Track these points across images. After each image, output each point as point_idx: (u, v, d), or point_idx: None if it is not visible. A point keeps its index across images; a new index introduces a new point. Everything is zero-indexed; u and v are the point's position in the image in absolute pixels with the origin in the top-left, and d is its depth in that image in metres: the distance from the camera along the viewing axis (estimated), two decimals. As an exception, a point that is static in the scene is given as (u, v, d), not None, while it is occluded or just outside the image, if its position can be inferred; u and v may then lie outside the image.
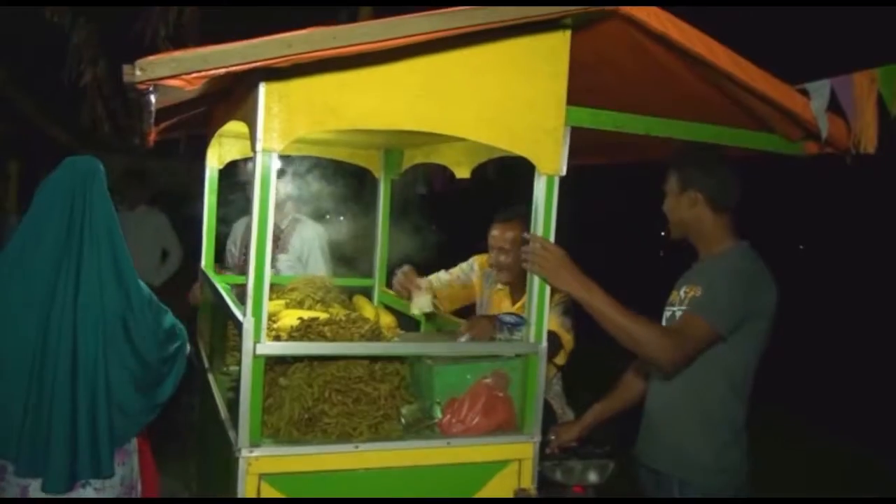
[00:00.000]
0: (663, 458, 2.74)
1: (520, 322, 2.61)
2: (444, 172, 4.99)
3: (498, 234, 3.50)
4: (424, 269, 3.90)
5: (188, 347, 2.60)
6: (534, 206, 2.53)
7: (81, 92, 8.15)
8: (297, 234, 4.54)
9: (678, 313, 2.67)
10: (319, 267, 4.45)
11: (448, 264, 3.91)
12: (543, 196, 2.50)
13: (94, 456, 2.23)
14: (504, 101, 2.43)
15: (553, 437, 3.01)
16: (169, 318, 2.49)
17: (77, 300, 2.23)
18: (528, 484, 2.54)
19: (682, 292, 2.72)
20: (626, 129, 2.63)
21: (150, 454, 2.75)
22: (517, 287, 3.51)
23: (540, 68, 2.45)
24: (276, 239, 4.50)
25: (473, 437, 2.49)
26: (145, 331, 2.37)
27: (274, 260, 4.30)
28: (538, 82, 2.46)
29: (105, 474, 2.26)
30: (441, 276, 3.83)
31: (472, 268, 3.82)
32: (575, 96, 2.50)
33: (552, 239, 2.52)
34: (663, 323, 2.76)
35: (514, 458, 2.53)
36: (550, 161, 2.49)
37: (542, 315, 2.54)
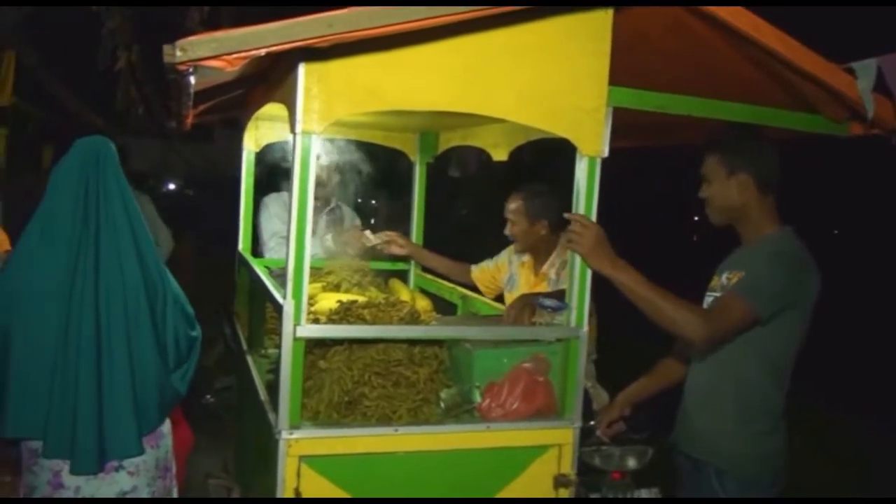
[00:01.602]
0: (700, 445, 2.70)
1: (560, 306, 2.57)
2: (478, 155, 4.97)
3: (508, 205, 3.61)
4: (456, 252, 3.90)
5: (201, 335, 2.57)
6: (575, 189, 2.49)
7: (115, 77, 8.21)
8: (332, 217, 4.53)
9: None
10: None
11: (480, 248, 3.91)
12: (585, 178, 2.47)
13: (122, 436, 2.23)
14: (545, 81, 2.39)
15: (595, 424, 2.98)
16: (190, 307, 2.48)
17: (98, 281, 2.23)
18: (568, 469, 2.51)
19: (723, 278, 2.67)
20: (669, 111, 2.58)
21: (189, 433, 2.77)
22: (539, 258, 3.60)
23: (582, 47, 2.41)
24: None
25: (513, 422, 2.47)
26: (170, 313, 2.36)
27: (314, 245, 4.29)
28: (580, 62, 2.41)
29: (133, 454, 2.26)
30: (484, 264, 3.91)
31: (507, 252, 3.83)
32: (615, 77, 2.45)
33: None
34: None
35: (553, 444, 2.51)
36: (592, 142, 2.45)
37: (583, 299, 2.51)
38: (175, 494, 2.49)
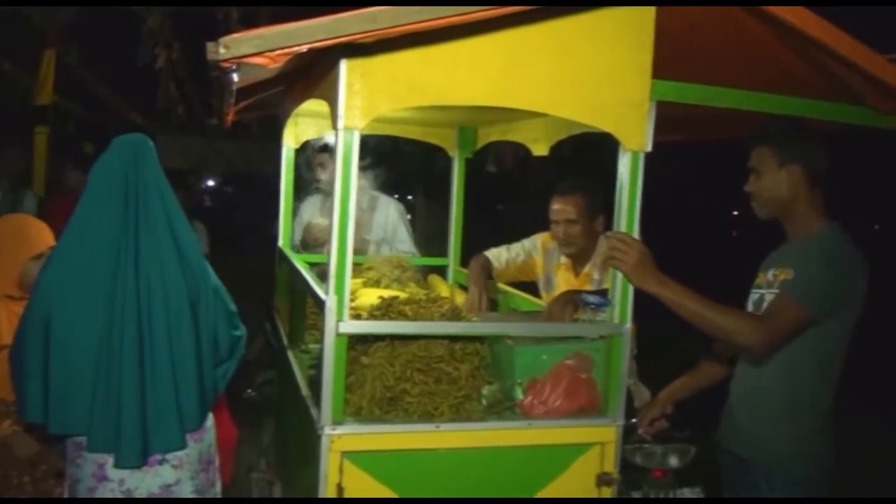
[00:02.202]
0: (747, 444, 2.66)
1: (604, 302, 2.55)
2: (515, 150, 4.94)
3: (558, 207, 3.50)
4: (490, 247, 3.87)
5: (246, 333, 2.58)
6: (618, 185, 2.46)
7: (155, 75, 8.31)
8: (381, 213, 4.54)
9: (767, 296, 2.58)
10: (406, 243, 4.46)
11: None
12: (628, 174, 2.43)
13: (164, 430, 2.25)
14: (588, 74, 2.36)
15: (637, 421, 2.95)
16: (233, 305, 2.49)
17: (138, 277, 2.24)
18: (611, 468, 2.49)
19: (770, 274, 2.63)
20: (713, 103, 2.54)
21: (233, 428, 2.78)
22: (580, 259, 3.52)
23: (625, 40, 2.38)
24: (358, 220, 4.51)
25: (555, 420, 2.45)
26: (211, 309, 2.37)
27: (364, 243, 4.33)
28: (623, 54, 2.38)
29: (175, 447, 2.28)
30: (501, 255, 3.82)
31: (534, 245, 3.80)
32: (656, 69, 2.42)
33: (637, 218, 2.46)
34: (750, 305, 2.68)
35: (596, 442, 2.48)
36: (635, 137, 2.41)
37: (626, 295, 2.48)
38: (218, 488, 2.51)
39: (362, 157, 2.14)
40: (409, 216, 4.63)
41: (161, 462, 2.29)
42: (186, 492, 2.34)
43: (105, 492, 2.24)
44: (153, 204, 2.31)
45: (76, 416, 2.20)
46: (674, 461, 2.99)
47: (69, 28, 7.33)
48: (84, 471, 2.25)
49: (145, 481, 2.28)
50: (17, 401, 2.26)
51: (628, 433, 2.80)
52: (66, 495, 2.34)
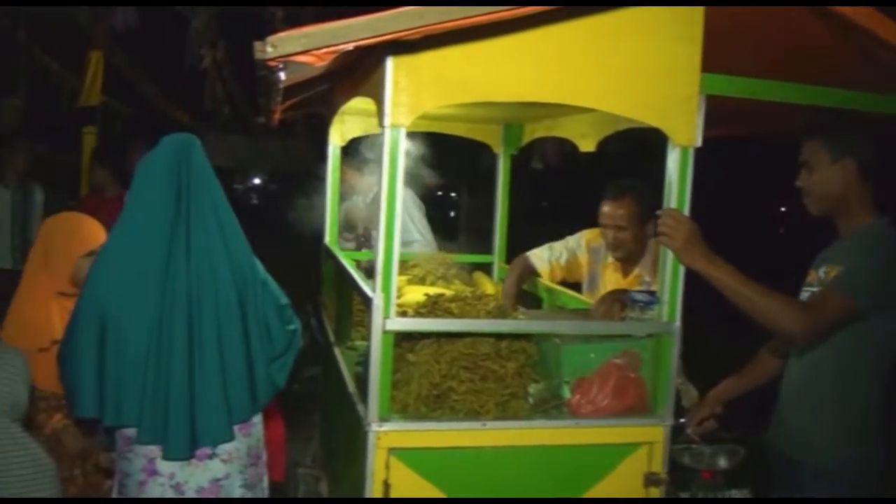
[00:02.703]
0: (797, 445, 2.62)
1: (652, 300, 2.51)
2: (561, 146, 4.90)
3: (609, 210, 3.41)
4: (536, 246, 3.84)
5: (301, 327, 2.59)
6: (667, 181, 2.42)
7: (201, 74, 8.41)
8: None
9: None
10: (421, 231, 4.47)
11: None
12: (677, 169, 2.39)
13: (212, 423, 2.26)
14: (636, 68, 2.33)
15: (686, 421, 2.91)
16: (285, 298, 2.50)
17: (189, 273, 2.27)
18: (659, 468, 2.46)
19: (821, 272, 2.57)
20: (763, 97, 2.49)
21: (282, 423, 2.80)
22: (629, 260, 3.45)
23: (673, 33, 2.34)
24: (371, 214, 4.60)
25: (603, 419, 2.43)
26: (261, 305, 2.38)
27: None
28: (671, 48, 2.34)
29: (223, 440, 2.30)
30: (543, 255, 3.78)
31: (578, 244, 3.74)
32: (704, 63, 2.38)
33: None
34: None
35: (644, 442, 2.45)
36: (685, 131, 2.37)
37: (675, 292, 2.44)
38: (265, 482, 2.52)
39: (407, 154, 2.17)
40: (452, 213, 4.62)
41: (211, 456, 2.31)
42: (236, 486, 2.36)
43: (155, 486, 2.27)
44: (202, 200, 2.34)
45: (128, 408, 2.22)
46: (722, 462, 2.94)
47: (116, 29, 7.45)
48: (134, 465, 2.28)
49: (195, 475, 2.30)
50: (69, 396, 2.29)
51: (676, 433, 2.76)
52: (115, 489, 2.37)
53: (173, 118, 11.68)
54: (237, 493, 2.36)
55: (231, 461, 2.34)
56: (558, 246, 3.77)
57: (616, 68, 2.32)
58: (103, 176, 5.73)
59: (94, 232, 2.77)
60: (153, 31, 8.18)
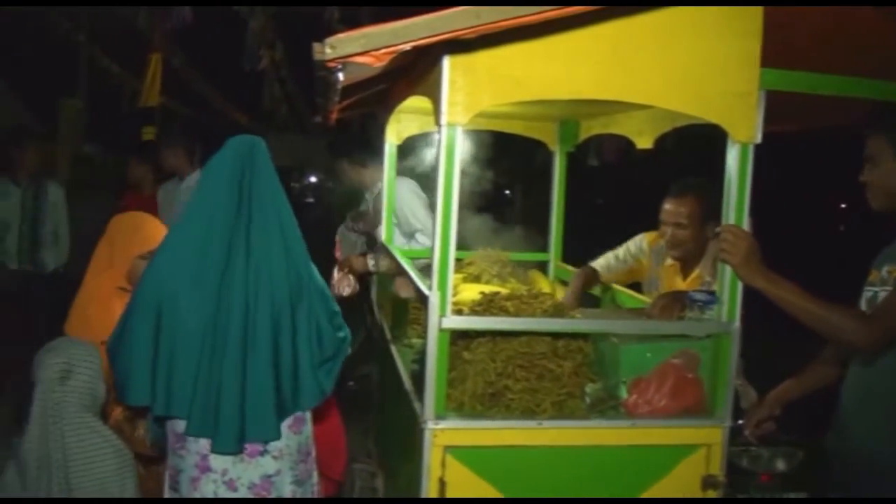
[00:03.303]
0: (858, 450, 2.55)
1: (711, 300, 2.48)
2: (617, 143, 4.86)
3: (670, 208, 3.37)
4: (592, 244, 3.81)
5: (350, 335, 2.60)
6: (726, 178, 2.39)
7: (259, 75, 8.53)
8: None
9: (881, 294, 2.46)
10: (422, 222, 4.49)
11: (619, 239, 3.80)
12: (737, 166, 2.36)
13: (261, 420, 2.28)
14: (694, 64, 2.30)
15: (744, 423, 2.87)
16: (337, 306, 2.52)
17: (248, 272, 2.29)
18: (717, 470, 2.42)
19: (884, 271, 2.50)
20: (823, 92, 2.44)
21: (341, 424, 2.83)
22: (689, 261, 3.40)
23: (732, 28, 2.31)
24: (376, 206, 4.65)
25: (660, 419, 2.41)
26: (314, 309, 2.39)
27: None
28: (730, 43, 2.31)
29: (270, 438, 2.31)
30: (609, 263, 3.75)
31: (640, 248, 3.70)
32: (764, 58, 2.34)
33: (747, 213, 2.38)
34: (863, 304, 2.56)
35: (702, 443, 2.42)
36: (744, 128, 2.34)
37: (735, 292, 2.41)
38: (315, 478, 2.54)
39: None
40: (499, 208, 4.61)
41: (262, 453, 2.34)
42: (286, 482, 2.38)
43: (208, 482, 2.30)
44: (265, 201, 2.37)
45: (179, 399, 2.26)
46: (781, 465, 2.88)
47: (175, 31, 7.59)
48: (187, 461, 2.31)
49: (247, 472, 2.33)
50: (119, 385, 2.33)
51: (734, 435, 2.72)
52: (167, 485, 2.40)
53: (231, 118, 11.89)
54: (288, 489, 2.38)
55: (282, 458, 2.37)
56: (621, 251, 3.74)
57: (674, 64, 2.29)
58: (141, 173, 5.78)
59: (155, 232, 2.83)
60: (212, 32, 8.33)
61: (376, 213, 4.57)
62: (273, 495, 2.35)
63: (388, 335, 3.54)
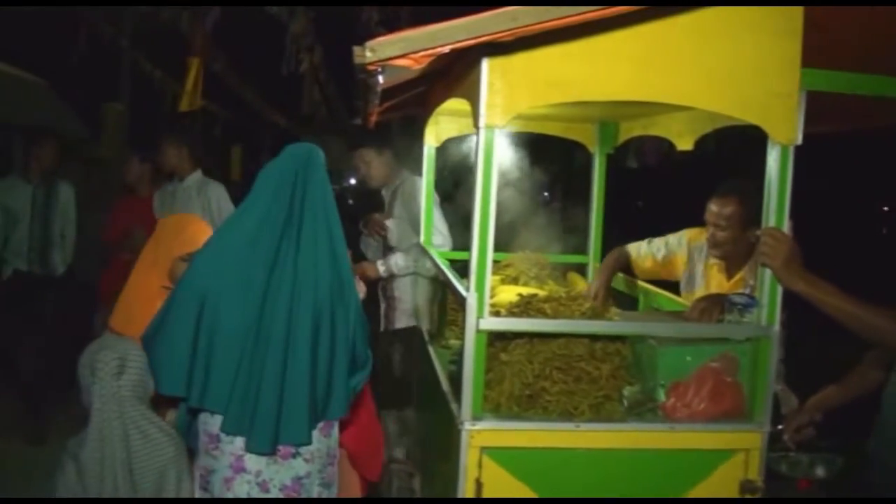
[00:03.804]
0: None
1: (751, 303, 2.46)
2: (657, 145, 4.82)
3: (713, 209, 3.35)
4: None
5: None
6: (766, 180, 2.37)
7: (298, 78, 8.61)
8: (399, 196, 4.64)
9: None
10: (435, 224, 4.44)
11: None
12: (777, 168, 2.33)
13: (296, 423, 2.29)
14: (733, 64, 2.28)
15: (783, 428, 2.83)
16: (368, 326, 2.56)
17: (295, 277, 2.32)
18: (755, 476, 2.40)
19: None
20: (866, 92, 2.41)
21: (378, 423, 2.84)
22: (733, 262, 3.37)
23: (771, 28, 2.28)
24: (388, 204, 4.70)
25: (699, 423, 2.39)
26: (352, 321, 2.40)
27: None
28: (769, 42, 2.29)
29: (303, 442, 2.33)
30: (640, 247, 3.74)
31: (679, 243, 3.67)
32: (804, 58, 2.31)
33: (787, 215, 2.36)
34: None
35: (741, 448, 2.40)
36: (784, 129, 2.31)
37: (774, 296, 2.38)
38: (337, 481, 2.56)
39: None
40: (537, 210, 4.57)
41: (294, 455, 2.36)
42: (315, 484, 2.40)
43: (242, 483, 2.32)
44: (317, 208, 2.40)
45: (216, 394, 2.28)
46: (820, 471, 2.85)
47: (214, 35, 7.67)
48: (220, 462, 2.33)
49: (280, 473, 2.35)
50: (154, 374, 2.36)
51: (774, 440, 2.69)
52: (197, 486, 2.43)
53: (270, 121, 12.01)
54: (315, 491, 2.40)
55: (313, 461, 2.39)
56: (658, 241, 3.72)
57: (713, 64, 2.28)
58: (141, 174, 5.49)
59: (197, 233, 2.87)
60: (251, 36, 8.43)
61: (390, 209, 4.64)
62: (302, 496, 2.37)
63: (427, 336, 3.56)
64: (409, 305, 4.48)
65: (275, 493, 2.34)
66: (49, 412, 5.18)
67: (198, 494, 2.38)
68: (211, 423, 2.34)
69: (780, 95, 2.30)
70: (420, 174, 4.34)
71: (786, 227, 2.38)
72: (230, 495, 2.31)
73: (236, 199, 5.10)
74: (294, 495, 2.36)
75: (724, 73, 2.28)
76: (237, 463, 2.32)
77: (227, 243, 2.37)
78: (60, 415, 4.96)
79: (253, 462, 2.32)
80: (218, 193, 5.04)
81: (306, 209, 2.37)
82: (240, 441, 2.30)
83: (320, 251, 2.37)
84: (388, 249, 4.55)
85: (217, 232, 2.46)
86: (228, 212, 4.57)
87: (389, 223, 4.55)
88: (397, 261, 4.45)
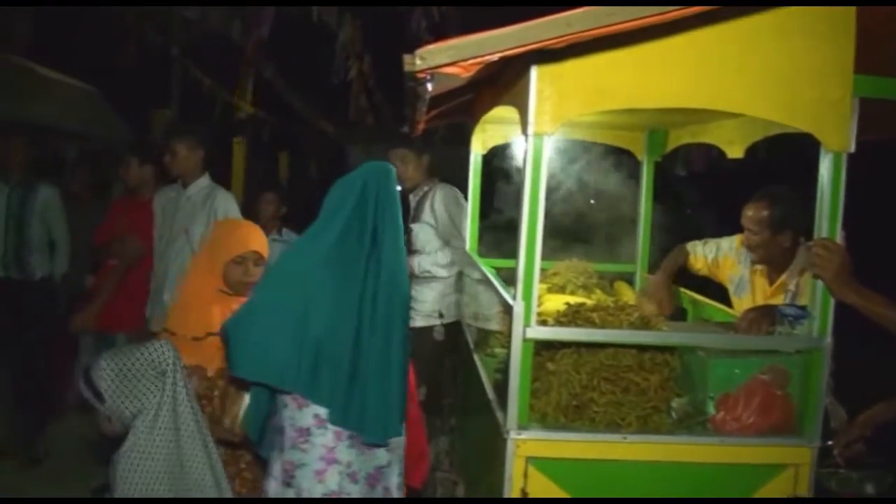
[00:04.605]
0: None
1: (802, 315, 2.41)
2: (706, 152, 4.76)
3: (747, 213, 3.33)
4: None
5: None
6: (819, 188, 2.32)
7: (346, 84, 8.67)
8: (427, 202, 4.66)
9: None
10: (456, 225, 4.52)
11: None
12: (830, 176, 2.29)
13: (397, 417, 2.40)
14: (783, 71, 2.25)
15: (833, 443, 2.77)
16: None
17: (389, 290, 2.42)
18: (805, 492, 2.35)
19: None
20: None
21: (423, 430, 2.85)
22: (775, 267, 3.34)
23: (823, 34, 2.24)
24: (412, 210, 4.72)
25: (749, 437, 2.35)
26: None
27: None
28: (821, 49, 2.25)
29: (398, 434, 2.41)
30: (696, 246, 3.72)
31: (731, 246, 3.63)
32: (857, 64, 2.27)
33: (840, 224, 2.31)
34: None
35: (790, 463, 2.36)
36: (836, 136, 2.27)
37: (827, 307, 2.33)
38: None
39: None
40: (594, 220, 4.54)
41: (378, 445, 2.42)
42: (395, 474, 2.46)
43: (334, 473, 2.37)
44: (391, 221, 2.49)
45: (322, 389, 2.36)
46: (870, 489, 2.78)
47: (265, 44, 7.73)
48: (311, 455, 2.38)
49: (366, 463, 2.41)
50: (250, 360, 2.40)
51: (823, 456, 2.64)
52: (278, 480, 2.45)
53: (317, 127, 12.11)
54: (395, 481, 2.46)
55: (393, 451, 2.46)
56: (712, 243, 3.70)
57: (764, 71, 2.25)
58: (143, 175, 4.87)
59: (245, 238, 2.92)
60: (300, 43, 8.52)
61: (417, 214, 4.68)
62: (381, 485, 2.43)
63: (472, 344, 3.55)
64: (425, 306, 4.56)
65: (361, 483, 2.39)
66: (41, 432, 4.98)
67: (279, 490, 2.41)
68: (299, 417, 2.39)
69: (832, 102, 2.26)
70: (452, 184, 4.38)
71: (839, 237, 2.33)
72: (321, 487, 2.36)
73: (290, 206, 5.17)
74: (375, 484, 2.42)
75: (774, 79, 2.25)
76: (329, 454, 2.37)
77: (319, 253, 2.45)
78: (58, 435, 4.96)
79: (344, 453, 2.37)
80: (226, 203, 4.41)
81: (386, 220, 2.47)
82: (331, 433, 2.36)
83: (398, 260, 2.48)
84: (409, 253, 4.57)
85: (310, 240, 2.52)
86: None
87: (414, 227, 4.61)
88: (420, 262, 4.54)
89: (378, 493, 2.43)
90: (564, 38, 1.92)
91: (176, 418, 2.33)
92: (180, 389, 2.35)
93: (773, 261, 3.33)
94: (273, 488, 2.43)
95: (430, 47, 1.96)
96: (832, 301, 2.33)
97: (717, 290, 3.69)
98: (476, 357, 3.30)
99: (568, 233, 4.41)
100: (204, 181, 4.46)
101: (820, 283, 2.32)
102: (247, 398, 2.56)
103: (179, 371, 2.36)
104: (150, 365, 2.31)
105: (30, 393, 5.01)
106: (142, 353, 2.32)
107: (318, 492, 2.35)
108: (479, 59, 1.96)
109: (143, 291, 4.44)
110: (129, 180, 4.94)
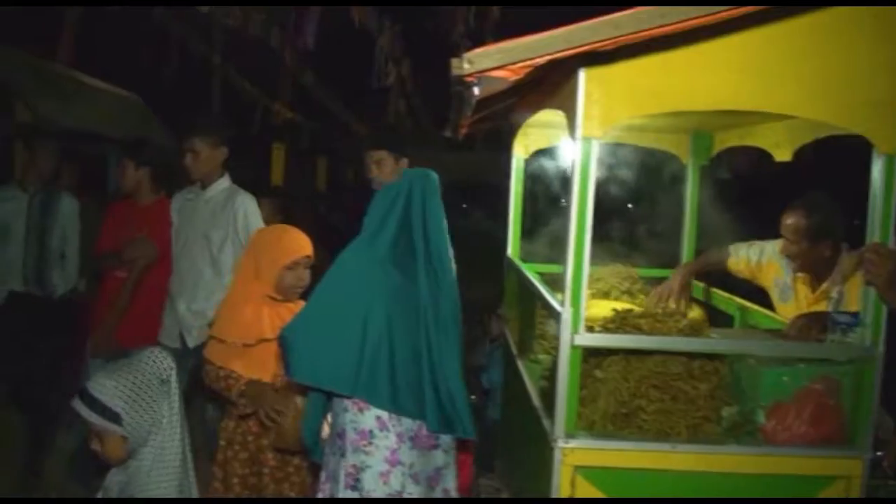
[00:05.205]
0: None
1: (854, 322, 2.35)
2: (751, 155, 4.67)
3: (785, 222, 3.26)
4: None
5: None
6: (871, 193, 2.26)
7: (384, 89, 8.69)
8: None
9: None
10: None
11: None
12: (882, 179, 2.23)
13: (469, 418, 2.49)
14: (834, 72, 2.21)
15: (883, 455, 2.70)
16: None
17: (439, 283, 2.51)
18: (855, 505, 2.29)
19: None
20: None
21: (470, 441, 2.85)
22: (818, 275, 3.26)
23: (875, 34, 2.20)
24: None
25: (800, 448, 2.29)
26: None
27: None
28: (874, 48, 2.20)
29: (472, 434, 2.49)
30: (739, 248, 3.63)
31: (774, 250, 3.55)
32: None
33: (892, 229, 2.25)
34: None
35: (841, 475, 2.30)
36: (890, 138, 2.22)
37: (879, 315, 2.28)
38: None
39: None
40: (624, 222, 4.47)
41: (435, 447, 2.48)
42: (451, 476, 2.52)
43: (398, 475, 2.41)
44: (438, 229, 2.57)
45: (399, 395, 2.42)
46: None
47: (305, 49, 7.75)
48: (375, 457, 2.42)
49: (426, 465, 2.46)
50: (308, 360, 2.45)
51: (873, 467, 2.57)
52: (341, 485, 2.47)
53: (354, 132, 12.18)
54: (451, 483, 2.51)
55: (448, 453, 2.51)
56: (756, 245, 3.62)
57: (812, 72, 2.21)
58: (140, 178, 4.36)
59: (294, 244, 2.93)
60: (340, 47, 8.55)
61: None
62: (441, 486, 2.49)
63: (515, 350, 3.52)
64: None
65: (422, 483, 2.45)
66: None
67: (344, 495, 2.44)
68: (361, 420, 2.43)
69: (884, 103, 2.21)
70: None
71: (892, 242, 2.27)
72: (386, 489, 2.40)
73: (327, 209, 5.18)
74: (434, 485, 2.48)
75: (825, 81, 2.21)
76: (392, 456, 2.42)
77: (371, 253, 2.51)
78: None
79: (406, 455, 2.43)
80: (247, 206, 4.01)
81: (434, 224, 2.55)
82: (394, 435, 2.42)
83: (451, 260, 2.58)
84: None
85: (364, 247, 2.55)
86: (257, 227, 3.84)
87: None
88: None
89: (437, 494, 2.48)
90: (614, 40, 1.89)
91: (180, 427, 2.31)
92: (175, 397, 2.32)
93: (814, 269, 3.25)
94: (334, 492, 2.46)
95: (479, 51, 1.95)
96: (885, 309, 2.27)
97: (758, 296, 3.63)
98: (519, 363, 3.28)
99: (611, 237, 4.38)
100: (224, 182, 4.10)
101: (872, 291, 2.27)
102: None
103: (175, 378, 2.33)
104: (154, 375, 2.24)
105: (41, 403, 4.48)
106: (142, 364, 2.18)
107: (383, 493, 2.39)
108: (527, 63, 1.95)
109: (157, 303, 4.09)
110: (124, 184, 4.47)
